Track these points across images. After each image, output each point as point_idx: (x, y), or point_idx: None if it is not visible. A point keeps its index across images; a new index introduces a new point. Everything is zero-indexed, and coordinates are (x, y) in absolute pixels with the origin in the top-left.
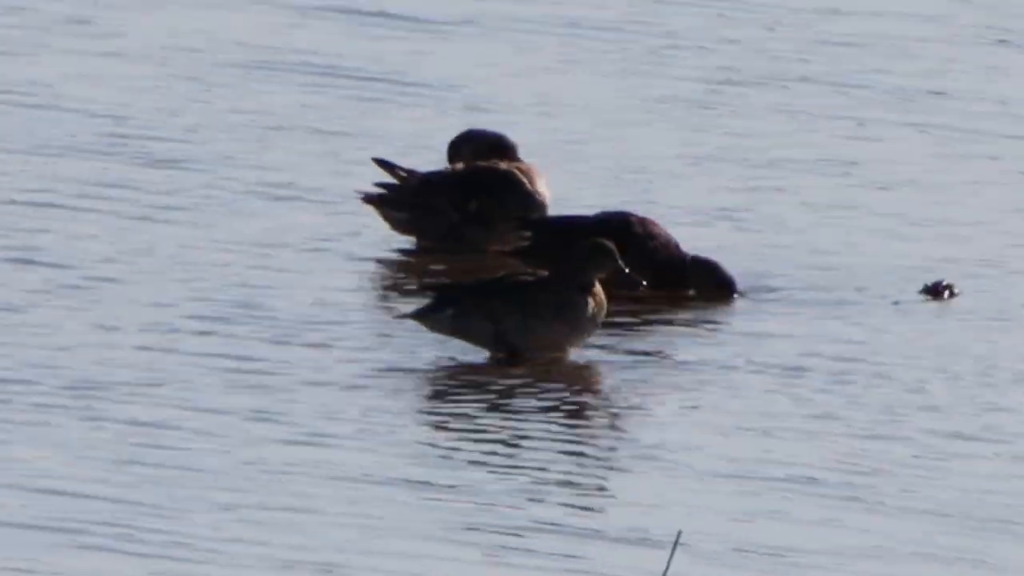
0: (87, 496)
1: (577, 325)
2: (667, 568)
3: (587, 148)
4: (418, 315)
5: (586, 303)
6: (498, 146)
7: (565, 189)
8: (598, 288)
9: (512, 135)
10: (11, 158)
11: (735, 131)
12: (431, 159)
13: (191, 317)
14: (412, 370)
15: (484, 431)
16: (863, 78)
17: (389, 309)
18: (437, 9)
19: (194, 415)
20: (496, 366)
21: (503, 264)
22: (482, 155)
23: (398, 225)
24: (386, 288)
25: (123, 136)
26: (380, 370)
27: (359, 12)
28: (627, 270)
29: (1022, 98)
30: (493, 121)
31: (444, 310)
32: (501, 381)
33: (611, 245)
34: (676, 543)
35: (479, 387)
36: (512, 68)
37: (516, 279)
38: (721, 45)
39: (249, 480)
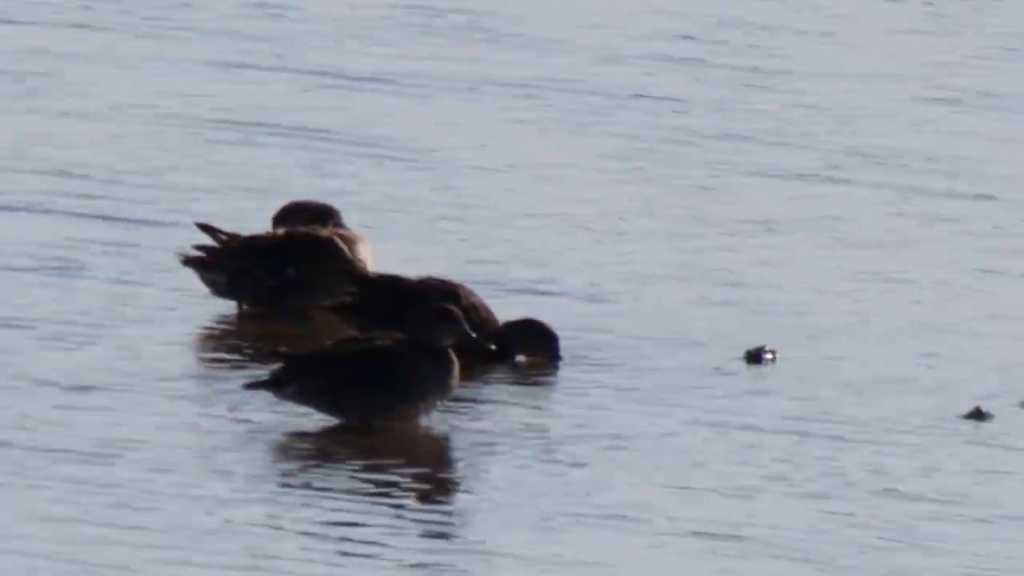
0: None
1: (425, 394)
2: None
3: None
4: (264, 386)
5: (436, 370)
6: (321, 213)
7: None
8: (451, 354)
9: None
10: None
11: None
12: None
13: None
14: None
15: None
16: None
17: (228, 373)
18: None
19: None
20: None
21: (326, 322)
22: (305, 222)
23: (216, 288)
24: (217, 351)
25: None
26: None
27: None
28: (473, 335)
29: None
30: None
31: (290, 383)
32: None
33: (455, 309)
34: None
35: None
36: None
37: (361, 346)
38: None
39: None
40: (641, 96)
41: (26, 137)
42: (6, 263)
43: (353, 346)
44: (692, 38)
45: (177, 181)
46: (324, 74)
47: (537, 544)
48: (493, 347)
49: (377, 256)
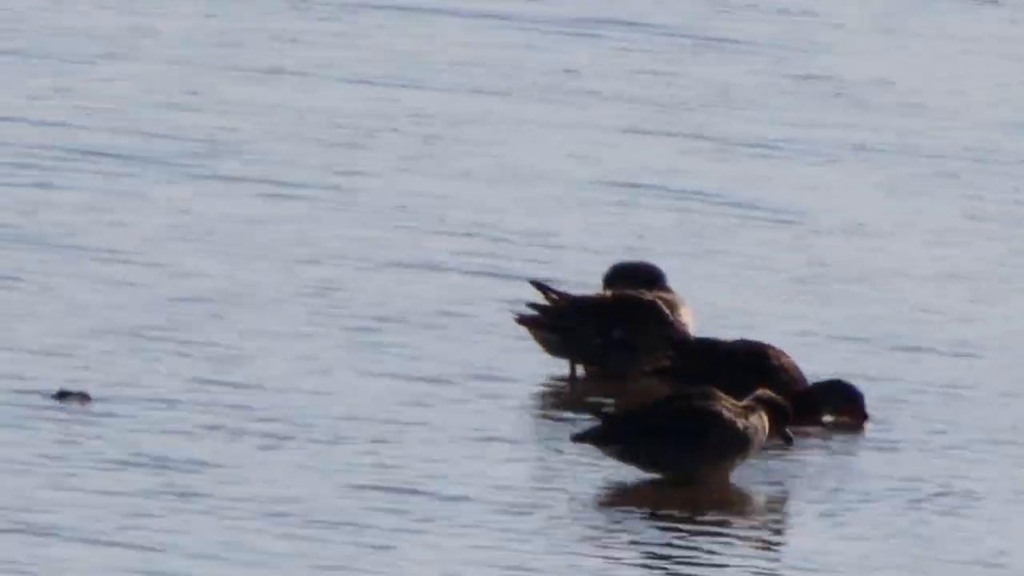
0: None
1: (744, 450)
2: None
3: None
4: (589, 438)
5: (752, 430)
6: (647, 276)
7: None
8: (763, 413)
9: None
10: None
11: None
12: None
13: None
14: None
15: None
16: None
17: (558, 429)
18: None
19: None
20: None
21: (647, 385)
22: (632, 284)
23: (549, 346)
24: (550, 407)
25: None
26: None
27: None
28: (789, 439)
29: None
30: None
31: (614, 441)
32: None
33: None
34: None
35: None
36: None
37: (682, 405)
38: None
39: None
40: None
41: (425, 197)
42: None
43: (671, 405)
44: None
45: (562, 241)
46: (703, 137)
47: None
48: (791, 439)
49: (729, 315)
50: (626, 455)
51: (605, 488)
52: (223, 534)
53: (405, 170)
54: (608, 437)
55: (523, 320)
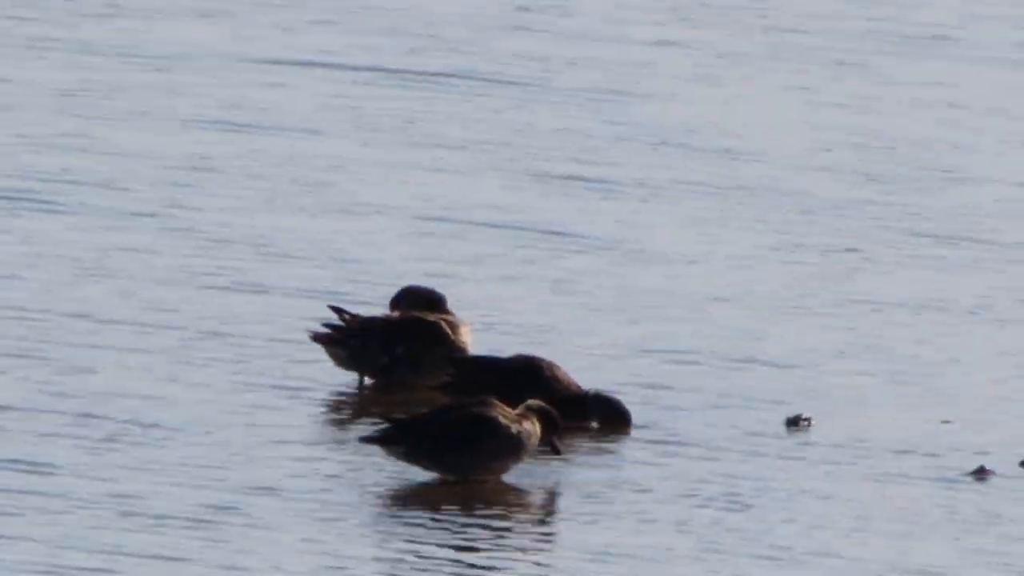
0: None
1: (518, 454)
2: None
3: None
4: (375, 441)
5: (526, 435)
6: (429, 299)
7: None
8: (535, 420)
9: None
10: None
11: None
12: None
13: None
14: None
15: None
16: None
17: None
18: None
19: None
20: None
21: (431, 397)
22: (416, 307)
23: (339, 361)
24: (340, 415)
25: None
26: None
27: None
28: (555, 443)
29: None
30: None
31: (398, 444)
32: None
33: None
34: None
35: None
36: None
37: (460, 413)
38: None
39: None
40: None
41: (261, 229)
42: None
43: (451, 411)
44: None
45: (381, 268)
46: (532, 174)
47: None
48: (559, 450)
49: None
50: (409, 456)
51: (388, 488)
52: (71, 528)
53: (246, 206)
54: (393, 439)
55: (316, 337)
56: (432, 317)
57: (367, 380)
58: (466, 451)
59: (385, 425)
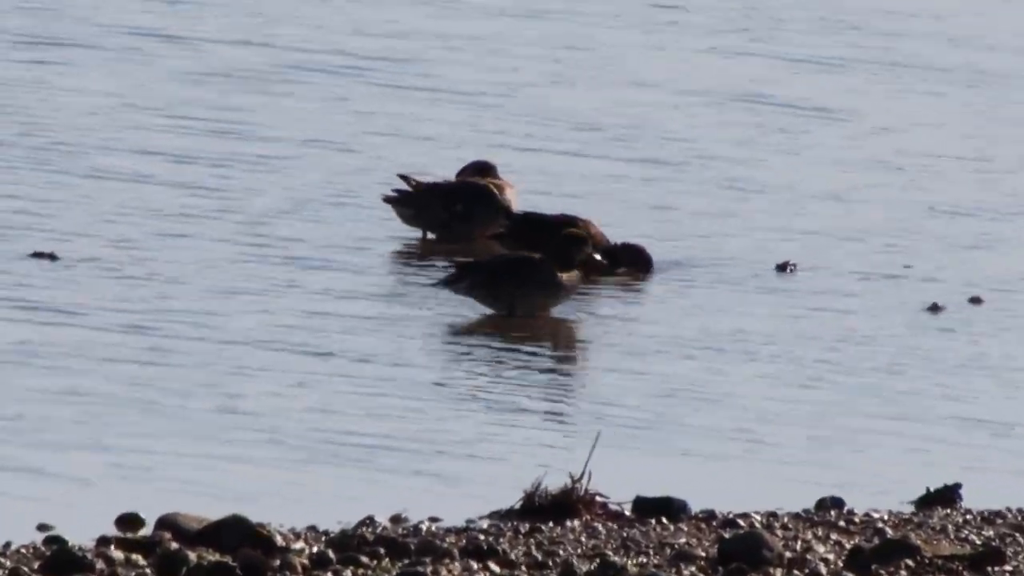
0: None
1: (560, 294)
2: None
3: None
4: (444, 283)
5: (564, 279)
6: (483, 168)
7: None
8: (574, 274)
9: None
10: None
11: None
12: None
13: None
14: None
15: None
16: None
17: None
18: None
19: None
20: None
21: (487, 245)
22: (474, 174)
23: (406, 219)
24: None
25: None
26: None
27: None
28: (596, 256)
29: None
30: None
31: (463, 281)
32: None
33: (584, 235)
34: (595, 443)
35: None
36: None
37: (517, 258)
38: None
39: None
40: None
41: None
42: None
43: (510, 258)
44: None
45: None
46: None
47: None
48: (605, 262)
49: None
50: (470, 291)
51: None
52: None
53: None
54: (457, 278)
55: (387, 199)
56: (483, 181)
57: (429, 235)
58: (518, 288)
59: (451, 269)
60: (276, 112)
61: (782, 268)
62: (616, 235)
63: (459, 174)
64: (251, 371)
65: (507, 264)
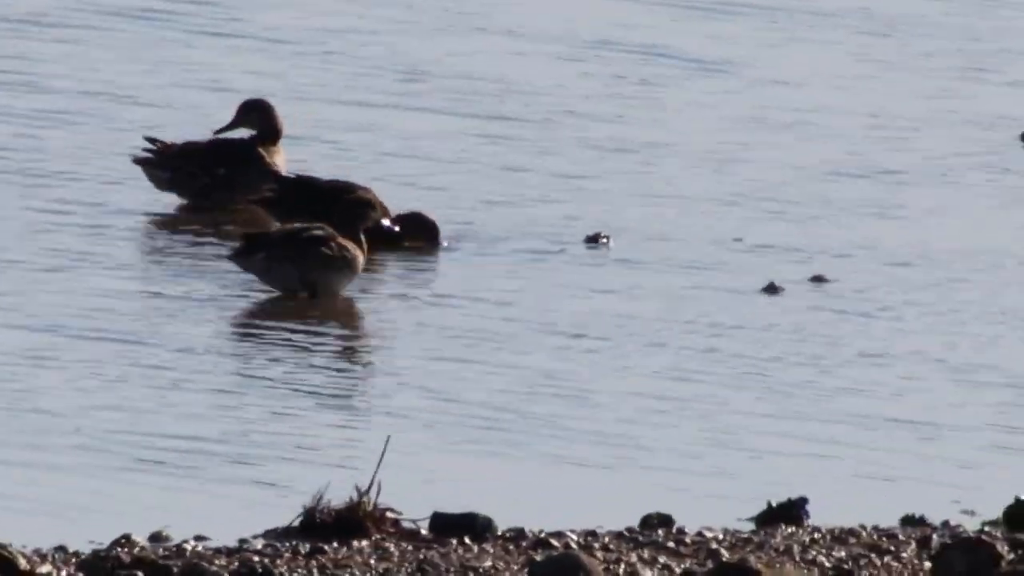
0: None
1: (354, 272)
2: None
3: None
4: (234, 257)
5: (359, 255)
6: (256, 109)
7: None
8: (363, 240)
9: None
10: None
11: None
12: None
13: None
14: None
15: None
16: None
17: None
18: None
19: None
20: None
21: (252, 213)
22: (246, 116)
23: (161, 184)
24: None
25: None
26: (198, 300)
27: None
28: (385, 222)
29: None
30: None
31: (256, 254)
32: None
33: (369, 200)
34: (384, 449)
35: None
36: None
37: (310, 233)
38: None
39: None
40: None
41: None
42: None
43: (304, 232)
44: None
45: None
46: None
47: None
48: (397, 229)
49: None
50: (268, 265)
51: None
52: None
53: None
54: (249, 250)
55: (138, 160)
56: (249, 140)
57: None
58: (317, 269)
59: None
60: (63, 60)
61: (592, 240)
62: (415, 205)
63: (231, 126)
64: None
65: (306, 239)
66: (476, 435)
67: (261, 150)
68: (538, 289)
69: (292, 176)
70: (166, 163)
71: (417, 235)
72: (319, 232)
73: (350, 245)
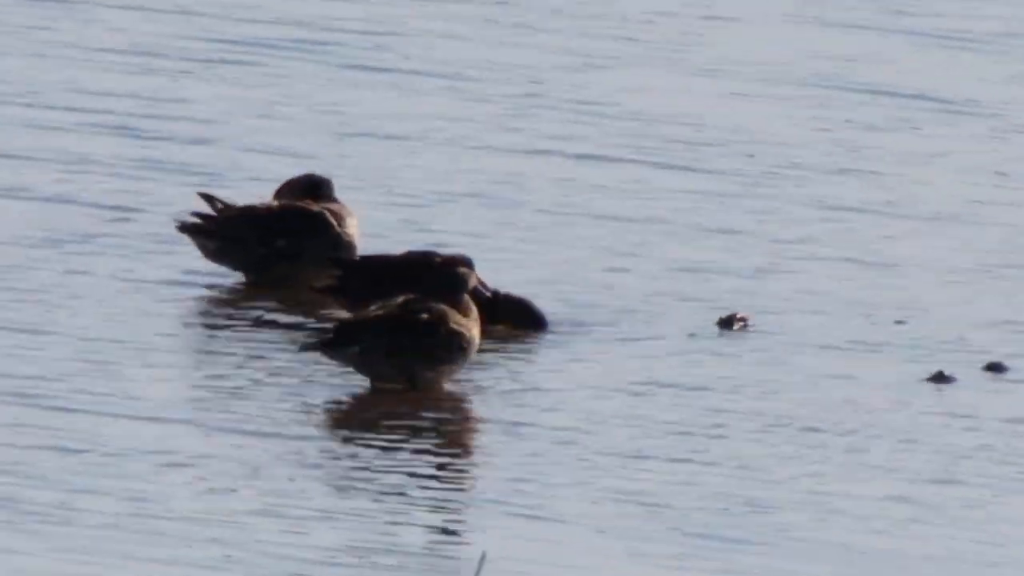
0: None
1: (467, 358)
2: None
3: None
4: (322, 347)
5: (475, 331)
6: (311, 186)
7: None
8: (476, 315)
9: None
10: None
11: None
12: None
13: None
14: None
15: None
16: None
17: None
18: None
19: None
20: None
21: (316, 299)
22: (298, 195)
23: (209, 253)
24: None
25: None
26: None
27: None
28: (486, 290)
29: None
30: None
31: (350, 346)
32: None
33: (463, 257)
34: (481, 563)
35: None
36: None
37: (413, 317)
38: None
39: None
40: None
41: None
42: None
43: (404, 313)
44: None
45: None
46: None
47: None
48: (489, 295)
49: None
50: (366, 358)
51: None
52: None
53: None
54: (343, 341)
55: (184, 227)
56: (317, 207)
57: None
58: (423, 353)
59: (324, 330)
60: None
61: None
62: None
63: (278, 193)
64: None
65: (408, 323)
66: None
67: (330, 217)
68: None
69: (358, 258)
70: (216, 231)
71: (514, 320)
72: (425, 315)
73: (463, 322)
